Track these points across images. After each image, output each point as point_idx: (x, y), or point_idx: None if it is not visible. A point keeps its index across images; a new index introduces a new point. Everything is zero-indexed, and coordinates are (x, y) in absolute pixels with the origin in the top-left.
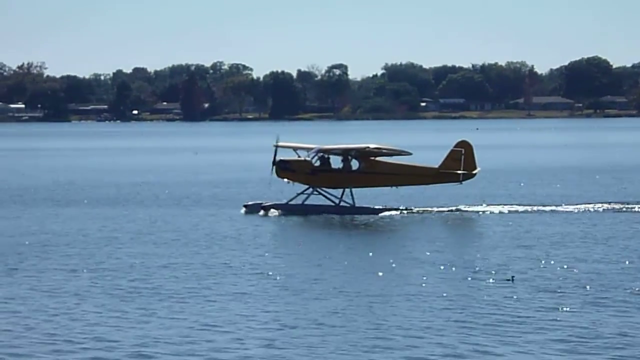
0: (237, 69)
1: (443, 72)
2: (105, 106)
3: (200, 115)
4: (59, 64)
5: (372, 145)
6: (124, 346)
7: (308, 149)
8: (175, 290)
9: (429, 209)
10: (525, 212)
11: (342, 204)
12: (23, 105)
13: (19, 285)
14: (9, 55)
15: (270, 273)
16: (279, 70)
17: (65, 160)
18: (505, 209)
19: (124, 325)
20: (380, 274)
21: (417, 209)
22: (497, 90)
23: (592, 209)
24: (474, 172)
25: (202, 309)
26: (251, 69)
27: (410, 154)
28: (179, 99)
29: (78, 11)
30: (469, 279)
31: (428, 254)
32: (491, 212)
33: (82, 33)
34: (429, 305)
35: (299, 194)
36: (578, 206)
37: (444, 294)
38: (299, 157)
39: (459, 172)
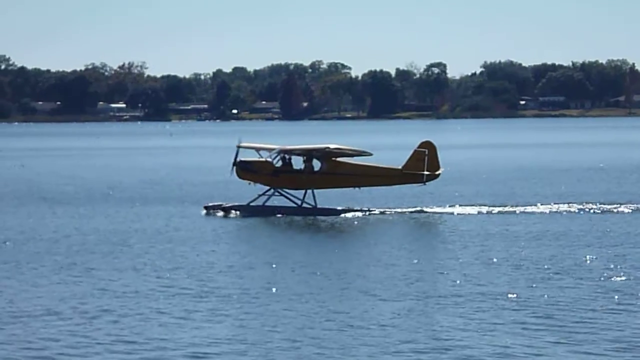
0: (336, 68)
1: (543, 70)
2: (205, 105)
3: (299, 114)
4: (159, 64)
5: (332, 146)
6: (181, 346)
7: (270, 150)
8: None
9: (392, 210)
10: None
11: (304, 205)
12: (124, 105)
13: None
14: (110, 55)
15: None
16: (378, 69)
17: (162, 159)
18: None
19: (187, 325)
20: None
21: (381, 210)
22: (598, 89)
23: None
24: (437, 172)
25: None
26: (350, 68)
27: (371, 154)
28: (278, 98)
29: (178, 12)
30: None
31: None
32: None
33: (182, 33)
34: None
35: (260, 195)
36: None
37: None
38: (261, 158)
39: (423, 173)
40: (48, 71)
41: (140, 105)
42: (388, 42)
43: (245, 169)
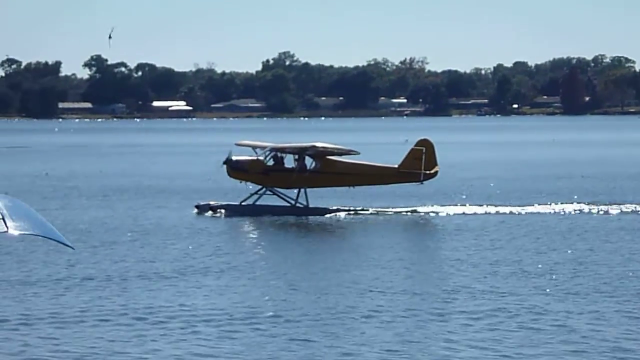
0: (619, 62)
1: None
2: (486, 100)
3: (581, 109)
4: (440, 59)
5: (318, 144)
6: None
7: (264, 148)
8: None
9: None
10: None
11: (297, 204)
12: (405, 100)
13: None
14: (392, 50)
15: None
16: None
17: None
18: None
19: None
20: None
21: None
22: None
23: None
24: (433, 171)
25: None
26: (633, 62)
27: (358, 153)
28: (559, 92)
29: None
30: None
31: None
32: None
33: (463, 28)
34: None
35: (252, 195)
36: None
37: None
38: (256, 156)
39: (420, 171)
40: (331, 67)
41: (420, 100)
42: None
43: (235, 168)
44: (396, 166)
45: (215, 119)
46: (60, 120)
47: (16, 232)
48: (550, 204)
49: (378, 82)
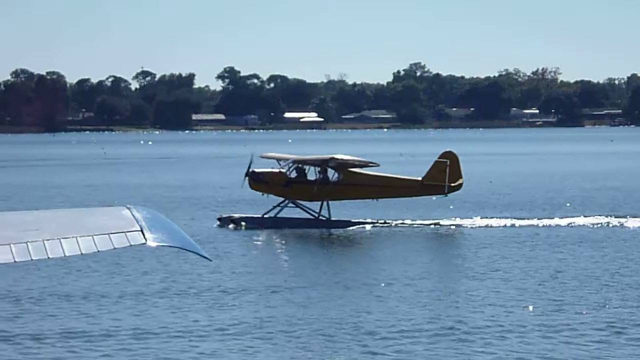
0: None
1: None
2: (619, 111)
3: None
4: (573, 69)
5: (337, 156)
6: None
7: (287, 160)
8: None
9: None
10: None
11: (320, 217)
12: (537, 111)
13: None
14: (524, 60)
15: None
16: None
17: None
18: None
19: None
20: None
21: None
22: None
23: None
24: (457, 183)
25: None
26: None
27: (378, 165)
28: None
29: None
30: None
31: None
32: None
33: (595, 38)
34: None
35: (274, 207)
36: None
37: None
38: (280, 168)
39: (444, 184)
40: (462, 77)
41: (552, 111)
42: None
43: (256, 180)
44: (420, 178)
45: (346, 129)
46: (194, 131)
47: (154, 244)
48: None
49: (509, 93)
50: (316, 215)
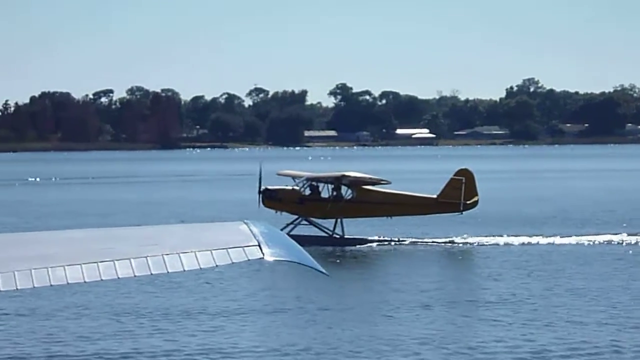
0: None
1: None
2: None
3: None
4: None
5: (350, 174)
6: None
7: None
8: None
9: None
10: None
11: (334, 234)
12: None
13: None
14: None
15: None
16: None
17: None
18: None
19: None
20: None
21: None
22: None
23: None
24: (472, 201)
25: None
26: None
27: (389, 182)
28: None
29: None
30: None
31: None
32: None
33: None
34: None
35: (288, 225)
36: None
37: None
38: (292, 185)
39: (459, 201)
40: (576, 93)
41: None
42: None
43: (270, 198)
44: (435, 196)
45: (459, 146)
46: (305, 147)
47: (272, 259)
48: None
49: (625, 109)
50: (330, 232)
